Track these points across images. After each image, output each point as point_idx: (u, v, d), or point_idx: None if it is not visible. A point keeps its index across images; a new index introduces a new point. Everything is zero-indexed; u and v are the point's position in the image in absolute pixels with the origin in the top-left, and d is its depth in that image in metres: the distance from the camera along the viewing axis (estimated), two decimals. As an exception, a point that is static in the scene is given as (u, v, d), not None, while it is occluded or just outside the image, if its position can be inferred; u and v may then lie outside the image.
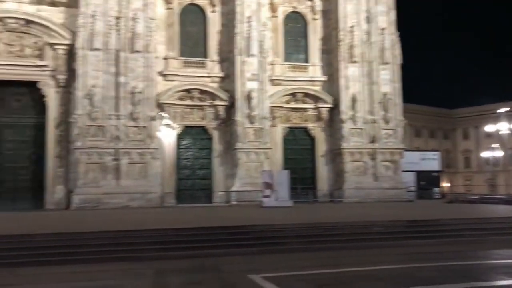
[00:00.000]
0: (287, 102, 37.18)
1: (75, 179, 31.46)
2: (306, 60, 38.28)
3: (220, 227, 16.67)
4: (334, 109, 37.21)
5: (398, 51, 37.46)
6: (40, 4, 33.18)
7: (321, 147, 37.67)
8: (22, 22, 32.55)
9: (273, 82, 36.64)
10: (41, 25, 32.84)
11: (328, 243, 15.42)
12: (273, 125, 36.29)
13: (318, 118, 37.54)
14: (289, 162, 36.84)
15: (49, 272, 12.06)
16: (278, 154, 36.52)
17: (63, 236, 14.81)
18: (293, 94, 37.13)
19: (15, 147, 32.90)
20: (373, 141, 36.52)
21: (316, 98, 37.39)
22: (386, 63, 37.21)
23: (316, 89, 37.70)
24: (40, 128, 33.05)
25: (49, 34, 32.93)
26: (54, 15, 33.41)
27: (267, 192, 29.17)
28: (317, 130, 37.70)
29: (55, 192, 32.17)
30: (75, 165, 31.61)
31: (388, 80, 37.25)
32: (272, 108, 36.06)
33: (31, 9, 33.11)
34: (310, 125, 37.68)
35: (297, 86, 37.33)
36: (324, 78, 37.96)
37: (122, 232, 15.33)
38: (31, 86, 32.93)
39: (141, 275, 11.70)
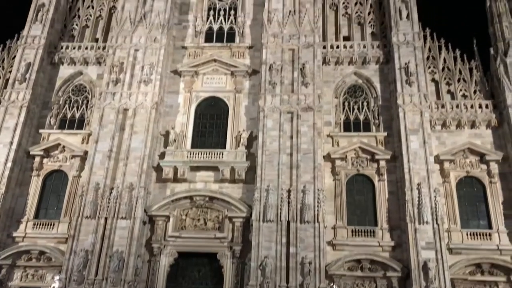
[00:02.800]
0: (471, 274, 33.17)
1: None
2: (489, 226, 34.84)
3: None
4: (533, 283, 31.90)
5: None
6: (222, 182, 37.42)
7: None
8: (207, 199, 36.75)
9: (452, 251, 33.61)
10: (223, 200, 36.55)
11: None
12: (457, 301, 32.19)
13: (514, 294, 32.39)
14: None
15: None
16: (466, 336, 31.48)
17: None
18: (478, 265, 33.19)
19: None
20: None
21: (507, 270, 32.74)
22: None
23: (506, 259, 33.27)
24: (216, 299, 34.40)
25: (228, 208, 36.27)
26: (234, 191, 37.13)
27: None
28: (512, 310, 32.17)
29: None
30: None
31: None
32: (454, 281, 32.38)
33: (215, 186, 37.47)
34: (503, 302, 32.45)
35: (482, 256, 33.49)
36: (512, 247, 33.70)
37: None
38: (211, 257, 35.45)
39: None
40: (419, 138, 35.92)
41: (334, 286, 32.91)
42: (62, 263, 34.09)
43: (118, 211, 34.82)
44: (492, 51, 39.95)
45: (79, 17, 45.51)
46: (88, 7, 45.86)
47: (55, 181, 38.69)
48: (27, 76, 40.41)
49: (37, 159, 38.80)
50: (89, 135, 39.07)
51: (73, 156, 38.65)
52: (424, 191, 34.11)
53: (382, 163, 36.82)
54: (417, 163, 35.08)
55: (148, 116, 37.89)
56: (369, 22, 43.24)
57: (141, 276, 34.39)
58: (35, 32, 42.42)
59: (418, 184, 34.38)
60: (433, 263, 32.06)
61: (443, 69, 40.19)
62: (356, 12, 43.74)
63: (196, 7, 44.72)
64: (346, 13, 43.93)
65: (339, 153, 37.31)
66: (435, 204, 33.73)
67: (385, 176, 36.61)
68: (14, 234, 36.43)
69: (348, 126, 39.16)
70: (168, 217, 36.32)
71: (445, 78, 39.95)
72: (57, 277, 33.57)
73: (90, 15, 45.50)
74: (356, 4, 44.13)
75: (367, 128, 38.86)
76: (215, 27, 43.87)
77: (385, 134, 38.03)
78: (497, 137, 37.37)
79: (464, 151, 36.70)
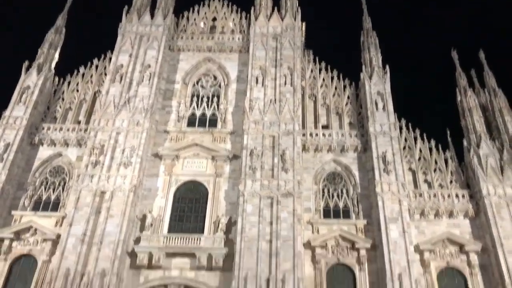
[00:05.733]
0: None
1: None
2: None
3: None
4: None
5: None
6: (199, 270, 36.08)
7: None
8: (182, 287, 35.30)
9: None
10: (198, 290, 35.08)
11: None
12: None
13: None
14: None
15: None
16: None
17: None
18: None
19: None
20: None
21: None
22: None
23: None
24: None
25: (205, 297, 34.69)
26: (211, 279, 35.74)
27: None
28: None
29: None
30: None
31: None
32: None
33: (191, 274, 36.07)
34: None
35: None
36: None
37: None
38: None
39: None
40: (398, 227, 35.89)
41: None
42: None
43: (86, 301, 32.93)
44: (465, 143, 41.42)
45: (63, 99, 46.09)
46: (73, 90, 46.64)
47: (23, 266, 36.69)
48: (5, 156, 39.80)
49: (6, 242, 37.02)
50: (63, 217, 37.86)
51: (44, 240, 37.08)
52: (405, 283, 33.33)
53: (363, 252, 36.32)
54: (397, 253, 34.69)
55: (125, 199, 37.24)
56: (347, 112, 44.85)
57: None
58: (18, 113, 42.56)
59: (399, 275, 33.70)
60: None
61: (419, 158, 41.24)
62: (334, 103, 45.52)
63: (180, 93, 45.99)
64: (325, 103, 45.68)
65: (319, 241, 36.81)
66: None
67: (366, 266, 35.93)
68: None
69: (328, 213, 39.07)
70: (139, 311, 34.48)
71: (421, 168, 40.85)
72: None
73: (74, 98, 46.19)
74: (334, 95, 46.07)
75: (346, 215, 38.79)
76: (198, 113, 44.88)
77: (365, 222, 37.93)
78: (475, 227, 37.61)
79: (444, 241, 36.62)
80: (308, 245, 36.73)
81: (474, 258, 36.04)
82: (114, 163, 39.20)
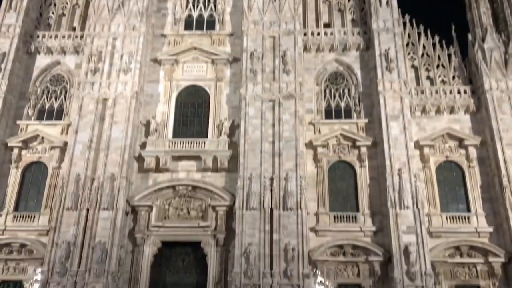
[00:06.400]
0: (451, 256, 33.92)
1: None
2: (467, 210, 35.55)
3: None
4: (510, 264, 32.71)
5: None
6: (205, 171, 37.30)
7: (500, 309, 32.50)
8: (190, 188, 36.63)
9: (432, 234, 34.25)
10: (205, 189, 36.49)
11: None
12: (438, 282, 32.87)
13: (492, 274, 33.18)
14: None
15: None
16: (446, 316, 32.31)
17: None
18: (457, 248, 33.94)
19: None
20: None
21: (485, 251, 33.56)
22: None
23: (484, 241, 34.07)
24: (201, 287, 34.47)
25: (211, 197, 36.24)
26: (217, 180, 37.07)
27: None
28: (491, 289, 33.08)
29: None
30: (232, 326, 31.62)
31: None
32: (434, 263, 33.07)
33: (197, 176, 37.34)
34: (482, 283, 33.23)
35: (461, 239, 34.20)
36: (490, 229, 34.48)
37: None
38: (195, 246, 35.47)
39: None
40: (399, 124, 36.29)
41: (317, 272, 33.24)
42: (43, 255, 33.74)
43: (100, 202, 34.51)
44: (470, 37, 40.40)
45: (55, 5, 44.44)
46: (64, -6, 44.84)
47: (35, 173, 38.08)
48: (3, 66, 39.38)
49: (16, 151, 38.07)
50: (69, 125, 38.46)
51: (52, 147, 38.02)
52: (405, 176, 34.58)
53: (363, 149, 37.15)
54: (398, 148, 35.49)
55: (128, 106, 37.45)
56: (349, 9, 43.21)
57: (124, 266, 34.29)
58: (10, 20, 41.25)
59: (399, 170, 34.81)
60: (414, 246, 32.62)
61: (422, 55, 40.54)
62: (336, -1, 43.72)
63: (174, -7, 44.05)
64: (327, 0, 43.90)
65: (321, 140, 37.50)
66: (416, 189, 34.24)
67: (366, 162, 36.96)
68: (-6, 228, 35.90)
69: (330, 113, 39.31)
70: (151, 207, 36.14)
71: (424, 64, 40.31)
72: (39, 270, 33.16)
73: (67, 3, 44.50)
74: (336, -10, 44.07)
75: (348, 115, 39.07)
76: (195, 14, 43.37)
77: (366, 120, 38.32)
78: (475, 122, 38.00)
79: (444, 136, 37.24)
80: (310, 145, 37.48)
81: (472, 151, 36.88)
82: (114, 70, 38.82)
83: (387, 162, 35.16)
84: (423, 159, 36.74)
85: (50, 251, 33.36)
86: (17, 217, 36.17)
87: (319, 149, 37.45)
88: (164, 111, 39.44)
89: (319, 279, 32.89)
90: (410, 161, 35.18)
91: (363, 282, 33.71)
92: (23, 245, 35.04)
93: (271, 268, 32.48)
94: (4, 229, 35.75)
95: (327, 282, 33.10)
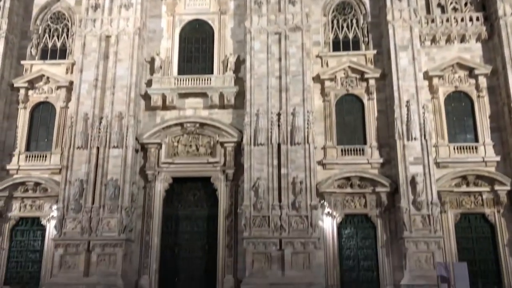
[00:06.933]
0: (457, 185, 34.36)
1: (243, 269, 32.53)
2: (475, 140, 35.52)
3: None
4: (516, 192, 33.27)
5: None
6: (212, 108, 37.24)
7: (504, 235, 33.30)
8: (197, 125, 36.76)
9: (439, 165, 34.51)
10: (213, 126, 36.59)
11: None
12: (443, 211, 33.57)
13: (497, 202, 33.75)
14: (464, 252, 33.22)
15: None
16: (450, 243, 33.26)
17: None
18: (464, 177, 34.26)
19: (191, 237, 35.72)
20: None
21: (491, 180, 33.91)
22: None
23: (490, 170, 34.30)
24: (212, 220, 35.58)
25: (219, 133, 36.41)
26: (224, 116, 37.08)
27: (444, 286, 26.22)
28: (496, 216, 33.70)
29: (225, 282, 33.49)
30: (243, 255, 32.87)
31: None
32: (441, 193, 33.60)
33: (205, 113, 37.36)
34: (487, 211, 33.91)
35: (467, 168, 34.42)
36: (498, 158, 34.60)
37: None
38: (205, 181, 36.18)
39: None
40: (408, 54, 35.44)
41: (325, 203, 34.07)
42: (58, 193, 34.65)
43: (110, 140, 34.86)
44: (486, -42, 38.40)
45: None
46: None
47: (43, 113, 38.25)
48: (1, 4, 38.40)
49: (22, 91, 38.03)
50: (73, 64, 38.09)
51: (58, 87, 37.88)
52: (413, 108, 34.28)
53: (372, 82, 36.63)
54: (406, 80, 34.90)
55: (131, 43, 36.75)
56: None
57: (137, 202, 35.21)
58: (4, -44, 39.76)
59: (407, 101, 34.46)
60: (421, 177, 32.94)
61: (433, -20, 38.82)
62: None
63: None
64: None
65: (329, 73, 36.93)
66: (424, 120, 34.06)
67: (374, 95, 36.58)
68: (8, 167, 36.60)
69: (337, 45, 38.39)
70: (160, 145, 36.51)
71: (435, -9, 38.73)
72: (54, 207, 34.35)
73: None
74: None
75: (356, 47, 38.13)
76: None
77: (375, 52, 37.46)
78: (486, 51, 36.99)
79: (453, 66, 36.44)
80: (317, 78, 36.98)
81: (482, 81, 36.15)
82: (115, 6, 37.73)
83: (396, 94, 34.75)
84: (432, 90, 36.18)
85: (64, 189, 34.23)
86: (29, 156, 36.82)
87: (327, 83, 37.00)
88: (168, 47, 38.76)
89: (327, 210, 33.85)
90: (419, 92, 34.69)
91: (370, 212, 34.49)
92: (37, 184, 35.92)
93: (279, 200, 33.18)
94: (18, 169, 36.54)
95: (334, 213, 34.06)
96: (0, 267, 34.89)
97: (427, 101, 35.39)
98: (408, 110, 34.29)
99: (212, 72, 37.99)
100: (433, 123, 35.22)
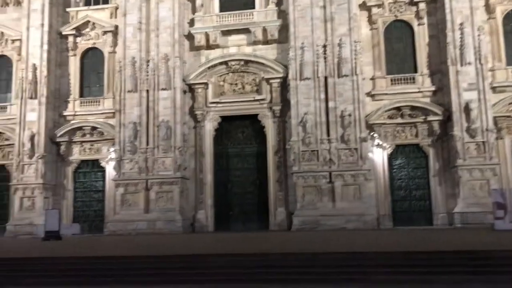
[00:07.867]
0: (515, 110, 32.94)
1: (294, 202, 33.36)
2: (536, 62, 33.48)
3: (453, 251, 15.38)
4: None
5: None
6: (256, 44, 36.79)
7: None
8: (242, 62, 36.60)
9: (495, 89, 32.93)
10: (258, 63, 36.35)
11: None
12: (500, 138, 32.47)
13: (557, 126, 32.24)
14: (522, 178, 32.38)
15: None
16: (507, 169, 32.38)
17: (298, 256, 15.73)
18: (524, 100, 32.75)
19: (242, 174, 36.80)
20: None
21: (552, 104, 32.25)
22: None
23: (552, 93, 32.51)
24: (261, 156, 36.24)
25: (264, 70, 36.19)
26: (268, 52, 36.65)
27: (500, 213, 25.91)
28: (556, 141, 32.33)
29: (277, 214, 34.64)
30: (293, 188, 33.57)
31: None
32: (497, 119, 32.34)
33: (248, 50, 37.00)
34: (546, 135, 32.55)
35: (528, 91, 32.77)
36: (561, 81, 32.63)
37: (350, 253, 15.46)
38: (252, 119, 36.53)
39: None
40: (462, -29, 33.07)
41: (375, 135, 33.71)
42: (113, 136, 36.23)
43: (158, 82, 35.55)
44: None
45: None
46: None
47: (92, 59, 39.27)
48: (43, -46, 38.67)
49: (71, 38, 39.00)
50: (116, 8, 38.38)
51: (104, 32, 38.55)
52: (467, 30, 32.41)
53: (422, 5, 34.69)
54: (460, 1, 32.75)
55: (171, -18, 36.36)
56: None
57: (189, 141, 36.30)
58: None
59: (461, 24, 32.55)
60: (475, 103, 31.76)
61: None
62: None
63: None
64: None
65: (375, -1, 35.23)
66: (479, 43, 32.25)
67: (425, 20, 34.75)
68: (65, 113, 38.42)
69: (384, -32, 36.24)
70: (206, 84, 36.86)
71: None
72: (112, 149, 36.02)
73: None
74: None
75: (404, -31, 35.90)
76: None
77: (425, -28, 35.16)
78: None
79: (511, -18, 33.78)
80: (363, 5, 35.45)
81: (543, -3, 33.46)
82: None
83: (448, 17, 32.81)
84: (488, 10, 33.85)
85: (119, 132, 35.67)
86: (84, 102, 38.36)
87: (374, 9, 35.39)
88: (208, -16, 38.05)
89: (377, 141, 33.53)
90: (474, 13, 32.62)
91: (421, 142, 33.93)
92: (94, 128, 37.61)
93: (328, 134, 33.15)
94: (74, 114, 38.27)
95: (384, 144, 33.72)
96: (67, 207, 37.54)
97: (483, 22, 33.26)
98: (461, 33, 32.47)
99: (253, 7, 37.18)
100: (489, 45, 33.24)
